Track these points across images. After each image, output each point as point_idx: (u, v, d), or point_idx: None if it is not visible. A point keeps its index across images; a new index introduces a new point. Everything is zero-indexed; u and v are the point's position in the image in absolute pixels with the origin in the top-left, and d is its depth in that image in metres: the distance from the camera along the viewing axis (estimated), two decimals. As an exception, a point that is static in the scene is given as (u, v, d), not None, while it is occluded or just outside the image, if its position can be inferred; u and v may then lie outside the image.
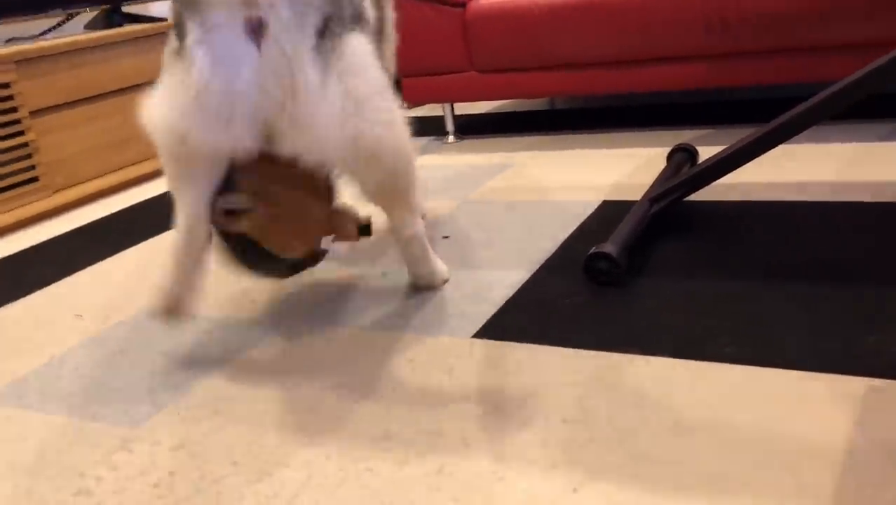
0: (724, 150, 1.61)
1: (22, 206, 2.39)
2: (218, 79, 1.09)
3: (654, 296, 1.34)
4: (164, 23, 2.88)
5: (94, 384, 1.33)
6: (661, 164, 2.07)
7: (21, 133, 2.38)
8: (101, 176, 2.64)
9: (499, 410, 1.09)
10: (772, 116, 2.32)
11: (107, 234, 2.18)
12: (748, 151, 1.57)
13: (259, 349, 1.37)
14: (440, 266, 1.52)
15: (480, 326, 1.33)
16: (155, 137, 1.23)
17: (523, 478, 0.94)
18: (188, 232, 1.29)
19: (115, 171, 2.69)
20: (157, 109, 1.21)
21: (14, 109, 2.36)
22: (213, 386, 1.26)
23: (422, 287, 1.51)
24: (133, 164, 2.75)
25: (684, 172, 1.69)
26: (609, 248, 1.41)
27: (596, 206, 1.82)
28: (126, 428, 1.18)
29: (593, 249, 1.42)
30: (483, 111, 3.12)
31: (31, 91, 2.40)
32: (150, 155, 2.82)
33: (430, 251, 1.48)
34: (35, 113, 2.42)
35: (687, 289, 1.35)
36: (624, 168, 2.09)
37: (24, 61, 2.37)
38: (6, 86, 2.33)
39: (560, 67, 2.37)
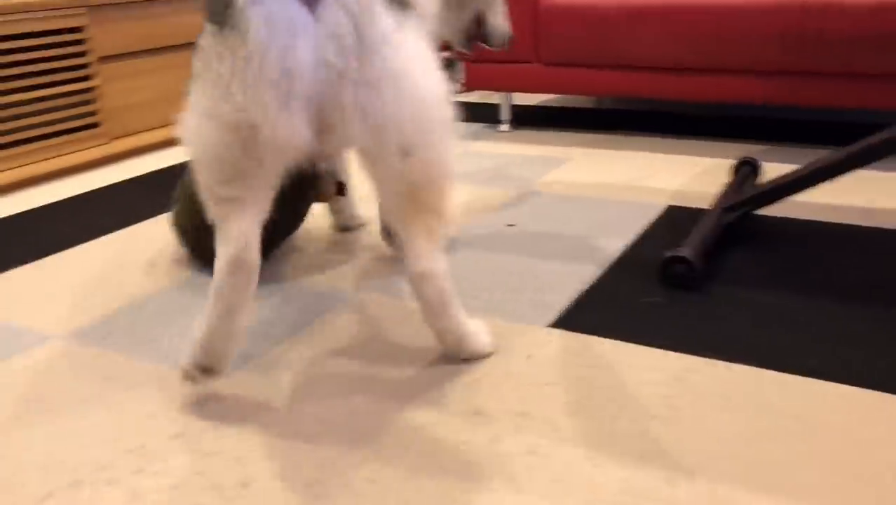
0: (802, 168, 1.63)
1: (80, 150, 2.41)
2: (275, 48, 0.93)
3: (729, 304, 1.37)
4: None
5: (178, 331, 1.36)
6: (721, 173, 2.09)
7: (87, 78, 2.40)
8: (157, 128, 2.66)
9: (585, 398, 1.11)
10: (834, 139, 2.35)
11: (165, 187, 2.20)
12: (826, 172, 1.59)
13: (332, 321, 1.39)
14: (473, 328, 1.21)
15: (556, 316, 1.36)
16: (199, 142, 1.03)
17: (619, 467, 0.97)
18: (236, 268, 1.06)
19: (170, 125, 2.71)
20: (200, 108, 1.02)
21: (83, 54, 2.37)
22: (294, 348, 1.29)
23: (450, 352, 1.22)
24: (188, 120, 2.77)
25: (758, 185, 1.71)
26: (687, 252, 1.43)
27: (661, 210, 1.84)
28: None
29: (671, 253, 1.44)
30: (532, 103, 3.14)
31: (100, 37, 2.42)
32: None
33: (455, 303, 1.17)
34: (103, 59, 2.44)
35: (762, 301, 1.38)
36: (685, 175, 2.11)
37: (96, 7, 2.39)
38: (78, 30, 2.35)
39: (629, 68, 2.38)
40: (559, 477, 0.95)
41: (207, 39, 1.00)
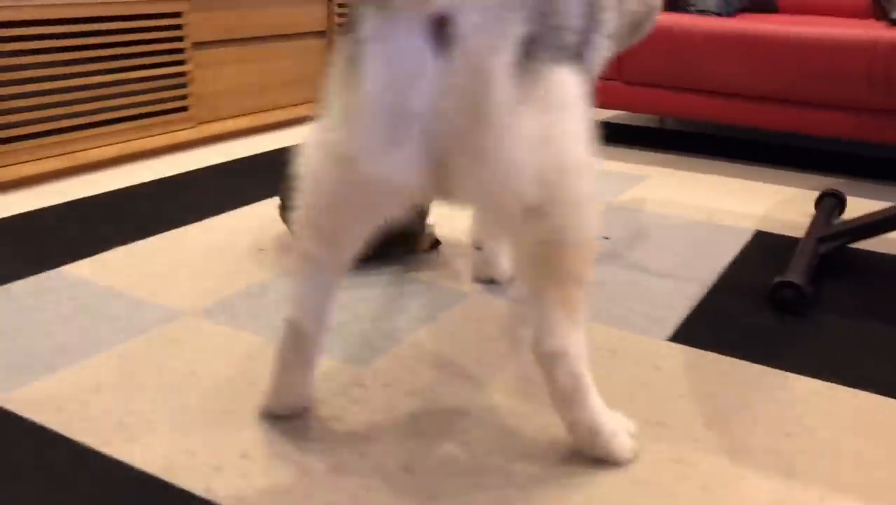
0: (900, 205, 1.68)
1: (168, 132, 2.46)
2: (390, 88, 0.85)
3: (835, 332, 1.41)
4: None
5: (302, 319, 1.40)
6: (803, 203, 2.14)
7: (181, 63, 2.45)
8: (241, 116, 2.71)
9: (717, 412, 1.16)
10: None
11: (252, 175, 2.25)
12: (926, 211, 1.64)
13: (451, 319, 1.44)
14: (611, 425, 1.03)
15: (672, 330, 1.40)
16: (307, 171, 1.01)
17: (765, 481, 1.01)
18: (291, 330, 1.06)
19: (253, 113, 2.76)
20: (315, 135, 0.99)
21: (179, 39, 2.43)
22: (422, 341, 1.34)
23: (580, 447, 1.04)
24: (267, 111, 2.82)
25: (854, 219, 1.75)
26: (797, 278, 1.48)
27: (751, 235, 1.89)
28: (352, 365, 1.25)
29: (781, 278, 1.49)
30: (597, 119, 3.19)
31: (197, 23, 2.47)
32: (284, 104, 2.90)
33: (592, 391, 1.01)
34: (197, 45, 2.49)
35: (865, 331, 1.42)
36: (767, 202, 2.15)
37: (197, -6, 2.45)
38: (177, 15, 2.40)
39: (711, 94, 2.43)
40: (708, 486, 1.00)
41: (340, 60, 0.95)
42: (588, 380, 1.00)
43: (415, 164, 0.89)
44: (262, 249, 1.71)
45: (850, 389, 1.23)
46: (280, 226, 1.86)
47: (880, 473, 1.04)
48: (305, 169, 1.01)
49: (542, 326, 0.98)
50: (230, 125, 2.62)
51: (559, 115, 0.91)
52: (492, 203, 0.93)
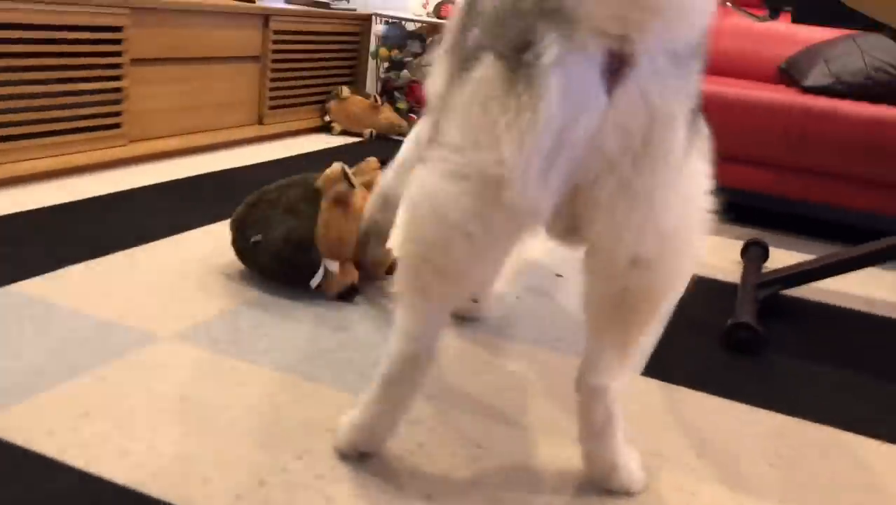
0: (831, 255, 1.83)
1: (99, 149, 2.36)
2: (561, 118, 0.82)
3: (789, 371, 1.52)
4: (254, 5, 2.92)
5: (287, 343, 1.38)
6: (727, 250, 2.29)
7: (118, 78, 2.37)
8: (174, 136, 2.63)
9: (704, 444, 1.22)
10: (830, 234, 2.59)
11: (192, 196, 2.19)
12: (852, 263, 1.80)
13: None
14: (626, 459, 1.07)
15: (643, 366, 1.47)
16: (424, 199, 0.92)
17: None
18: (414, 357, 1.00)
19: (184, 134, 2.69)
20: (441, 157, 0.91)
21: (118, 54, 2.35)
22: (411, 371, 1.34)
23: (595, 479, 1.08)
24: (199, 132, 2.75)
25: (789, 267, 1.89)
26: (750, 320, 1.58)
27: (690, 279, 2.00)
28: (348, 393, 1.24)
29: (735, 320, 1.59)
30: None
31: (137, 39, 2.40)
32: (215, 126, 2.84)
33: (620, 428, 1.05)
34: (135, 61, 2.41)
35: (816, 370, 1.54)
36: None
37: (138, 9, 2.37)
38: (118, 29, 2.32)
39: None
40: (716, 513, 1.06)
41: (488, 75, 0.87)
42: (619, 418, 1.04)
43: (556, 196, 0.86)
44: (216, 272, 1.67)
45: (816, 425, 1.33)
46: (229, 252, 1.82)
47: (853, 499, 1.12)
48: (423, 193, 0.92)
49: (594, 361, 1.00)
50: (161, 145, 2.54)
51: (704, 165, 0.92)
52: (620, 245, 0.88)
